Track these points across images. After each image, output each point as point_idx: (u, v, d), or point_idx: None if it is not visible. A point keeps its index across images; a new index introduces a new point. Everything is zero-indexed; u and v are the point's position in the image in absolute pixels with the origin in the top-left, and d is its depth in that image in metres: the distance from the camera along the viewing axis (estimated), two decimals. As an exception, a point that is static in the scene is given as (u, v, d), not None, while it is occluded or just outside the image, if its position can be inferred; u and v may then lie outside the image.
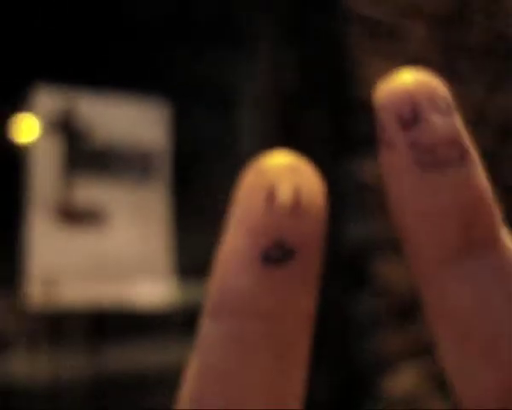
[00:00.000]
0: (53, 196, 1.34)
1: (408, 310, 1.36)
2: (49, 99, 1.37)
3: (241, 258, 0.14)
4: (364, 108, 1.42)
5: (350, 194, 1.41)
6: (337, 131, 1.46)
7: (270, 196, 0.15)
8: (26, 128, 1.39)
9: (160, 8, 1.48)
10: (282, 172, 0.15)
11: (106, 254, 1.37)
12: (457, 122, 0.15)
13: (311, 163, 0.15)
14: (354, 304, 1.37)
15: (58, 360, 1.35)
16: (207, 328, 0.15)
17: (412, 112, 0.15)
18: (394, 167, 0.15)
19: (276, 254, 0.14)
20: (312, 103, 1.47)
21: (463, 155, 0.15)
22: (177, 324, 1.44)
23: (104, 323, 1.39)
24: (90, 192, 1.38)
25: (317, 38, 1.49)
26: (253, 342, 0.14)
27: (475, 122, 1.51)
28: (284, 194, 0.14)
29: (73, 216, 1.35)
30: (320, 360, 1.35)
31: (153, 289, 1.41)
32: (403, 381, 1.34)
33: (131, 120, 1.43)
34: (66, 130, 1.38)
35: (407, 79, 0.16)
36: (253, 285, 0.14)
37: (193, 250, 1.43)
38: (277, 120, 1.46)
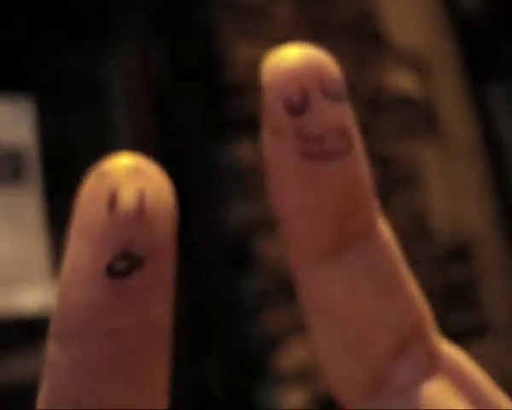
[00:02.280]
0: None
1: (293, 287, 1.39)
2: None
3: (84, 273, 0.13)
4: (236, 92, 1.43)
5: (228, 177, 1.42)
6: (211, 116, 1.45)
7: (112, 201, 0.13)
8: None
9: (23, 3, 1.42)
10: (124, 175, 0.13)
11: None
12: (347, 109, 0.15)
13: (156, 165, 0.14)
14: (239, 286, 1.38)
15: None
16: (54, 352, 0.13)
17: (301, 97, 0.14)
18: (277, 153, 0.15)
19: (121, 265, 0.13)
20: (185, 91, 1.46)
21: (349, 145, 0.14)
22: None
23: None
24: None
25: (184, 24, 1.48)
26: (103, 365, 0.13)
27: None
28: (127, 198, 0.13)
29: None
30: (209, 346, 1.35)
31: (33, 296, 1.36)
32: (293, 357, 1.36)
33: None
34: None
35: (296, 58, 0.14)
36: (98, 302, 0.13)
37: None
38: (151, 112, 1.44)
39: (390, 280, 0.15)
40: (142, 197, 0.13)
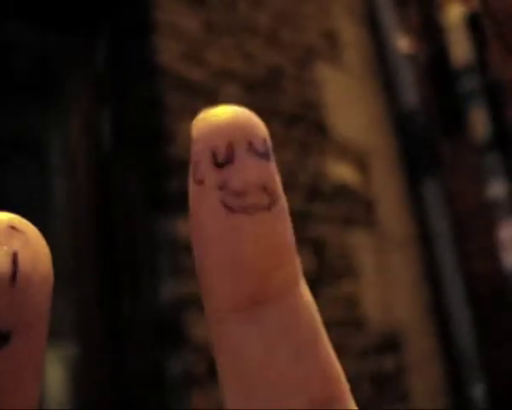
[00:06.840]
0: None
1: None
2: None
3: None
4: (179, 167, 1.43)
5: (163, 253, 1.40)
6: (151, 190, 1.45)
7: None
8: None
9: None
10: None
11: None
12: (272, 167, 0.15)
13: (31, 225, 0.12)
14: (166, 364, 1.35)
15: None
16: None
17: (226, 151, 0.14)
18: (200, 204, 0.15)
19: None
20: (127, 162, 1.46)
21: (273, 202, 0.15)
22: None
23: None
24: None
25: (132, 97, 1.49)
26: None
27: (286, 184, 1.56)
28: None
29: None
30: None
31: None
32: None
33: None
34: None
35: (225, 115, 0.15)
36: None
37: None
38: (91, 180, 1.43)
39: (304, 343, 0.15)
40: (15, 261, 0.11)
